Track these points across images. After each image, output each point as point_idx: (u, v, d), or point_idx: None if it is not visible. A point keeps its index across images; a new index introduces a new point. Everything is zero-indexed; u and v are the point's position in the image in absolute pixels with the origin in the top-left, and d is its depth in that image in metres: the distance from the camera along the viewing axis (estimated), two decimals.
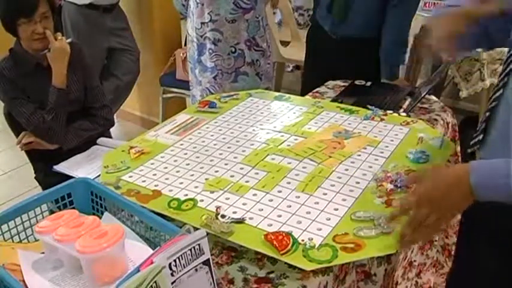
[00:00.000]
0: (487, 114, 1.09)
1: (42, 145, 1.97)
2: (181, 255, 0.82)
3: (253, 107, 1.76)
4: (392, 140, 1.46)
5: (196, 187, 1.28)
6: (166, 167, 1.39)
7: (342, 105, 1.73)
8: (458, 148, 1.78)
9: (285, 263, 1.03)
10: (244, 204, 1.20)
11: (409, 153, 1.38)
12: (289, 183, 1.28)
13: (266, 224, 1.12)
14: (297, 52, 3.55)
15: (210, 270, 0.88)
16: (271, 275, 1.02)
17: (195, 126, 1.62)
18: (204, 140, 1.53)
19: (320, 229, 1.10)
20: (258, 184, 1.28)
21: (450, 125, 1.74)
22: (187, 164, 1.40)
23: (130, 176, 1.35)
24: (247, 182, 1.29)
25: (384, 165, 1.33)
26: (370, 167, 1.33)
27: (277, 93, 1.89)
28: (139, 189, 1.29)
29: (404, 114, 1.66)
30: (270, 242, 1.04)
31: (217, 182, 1.29)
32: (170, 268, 0.81)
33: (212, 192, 1.25)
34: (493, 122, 1.07)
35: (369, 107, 1.68)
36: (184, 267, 0.83)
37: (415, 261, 1.37)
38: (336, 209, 1.17)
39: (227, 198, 1.23)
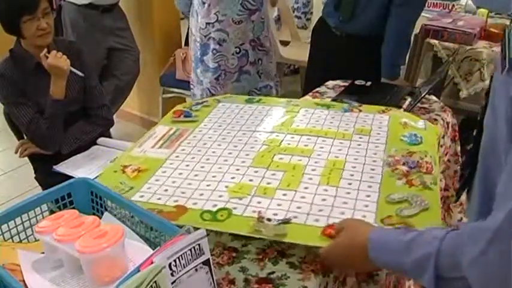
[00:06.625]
0: None
1: (40, 151, 1.98)
2: (181, 255, 0.82)
3: (228, 112, 1.68)
4: (380, 128, 1.50)
5: (220, 196, 1.21)
6: (174, 181, 1.29)
7: (318, 101, 1.76)
8: (459, 148, 1.78)
9: (286, 263, 1.03)
10: (279, 205, 1.16)
11: (402, 136, 1.43)
12: (310, 178, 1.26)
13: (313, 220, 1.10)
14: (296, 52, 3.55)
15: (210, 270, 0.88)
16: (272, 276, 1.02)
17: (181, 136, 1.53)
18: (199, 149, 1.45)
19: (365, 216, 1.10)
20: (281, 184, 1.25)
21: (450, 125, 1.74)
22: (196, 175, 1.31)
23: (142, 196, 1.24)
24: (269, 183, 1.25)
25: (386, 151, 1.36)
26: (375, 153, 1.35)
27: (246, 97, 1.83)
28: (159, 207, 1.18)
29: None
30: (331, 236, 1.03)
31: (239, 188, 1.24)
32: (170, 268, 0.81)
33: (240, 198, 1.20)
34: None
35: (344, 100, 1.70)
36: (184, 267, 0.83)
37: None
38: (368, 196, 1.18)
39: (259, 202, 1.18)
